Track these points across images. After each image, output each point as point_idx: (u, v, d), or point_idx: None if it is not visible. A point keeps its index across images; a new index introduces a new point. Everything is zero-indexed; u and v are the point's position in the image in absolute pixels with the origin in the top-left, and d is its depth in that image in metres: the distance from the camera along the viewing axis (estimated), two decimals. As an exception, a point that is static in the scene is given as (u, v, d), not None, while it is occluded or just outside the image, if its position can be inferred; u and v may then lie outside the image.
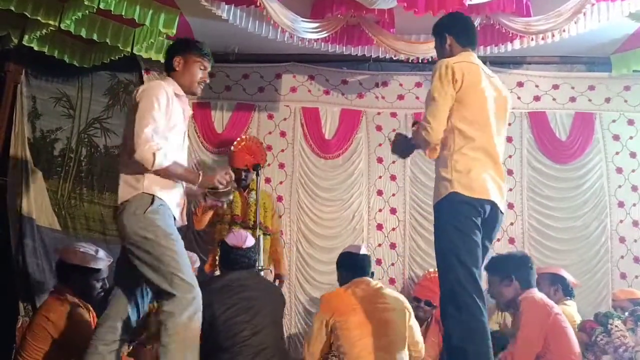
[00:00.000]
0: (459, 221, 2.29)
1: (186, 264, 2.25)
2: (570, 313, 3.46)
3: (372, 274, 3.02)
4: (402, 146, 2.67)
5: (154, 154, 2.21)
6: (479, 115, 2.40)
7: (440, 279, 2.35)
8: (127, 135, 2.37)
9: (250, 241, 2.96)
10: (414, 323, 2.89)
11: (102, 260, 2.88)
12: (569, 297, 3.60)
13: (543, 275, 3.72)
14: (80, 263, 2.82)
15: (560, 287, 3.60)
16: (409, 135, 2.66)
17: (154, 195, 2.28)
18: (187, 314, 2.16)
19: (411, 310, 2.91)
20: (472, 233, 2.29)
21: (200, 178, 2.35)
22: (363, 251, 3.03)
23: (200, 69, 2.53)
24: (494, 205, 2.36)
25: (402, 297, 2.93)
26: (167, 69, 2.55)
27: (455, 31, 2.59)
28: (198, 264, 3.64)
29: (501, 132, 2.50)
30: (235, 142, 4.18)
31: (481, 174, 2.34)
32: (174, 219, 2.38)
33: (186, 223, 2.57)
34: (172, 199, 2.37)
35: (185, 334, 2.15)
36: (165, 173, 2.31)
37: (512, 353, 2.79)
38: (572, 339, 2.84)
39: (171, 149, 2.33)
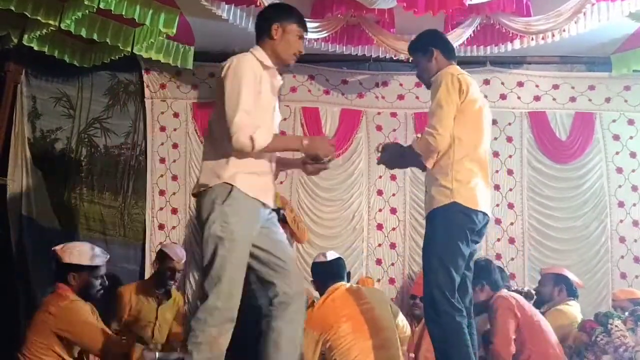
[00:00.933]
0: (454, 230, 2.37)
1: (238, 278, 2.11)
2: (573, 313, 3.46)
3: (349, 274, 2.98)
4: (392, 156, 2.68)
5: (251, 138, 2.08)
6: (477, 126, 2.50)
7: (424, 282, 2.41)
8: (213, 119, 2.27)
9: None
10: (394, 310, 2.92)
11: (99, 257, 2.85)
12: (572, 298, 3.60)
13: (547, 275, 3.73)
14: (77, 262, 2.80)
15: (564, 287, 3.61)
16: (400, 143, 2.72)
17: (232, 187, 2.13)
18: (218, 327, 2.05)
19: (388, 299, 2.95)
20: (462, 243, 2.36)
21: (304, 145, 2.24)
22: (331, 257, 2.99)
23: (299, 39, 2.38)
24: (485, 215, 2.47)
25: (375, 289, 2.94)
26: (260, 36, 2.34)
27: (440, 46, 2.64)
28: (184, 259, 3.71)
29: (489, 142, 2.62)
30: None
31: (478, 185, 2.43)
32: (263, 205, 2.22)
33: (277, 207, 2.41)
34: (259, 185, 2.22)
35: (211, 348, 2.04)
36: (268, 151, 2.21)
37: (494, 345, 2.91)
38: (547, 331, 2.92)
39: (265, 127, 2.19)
